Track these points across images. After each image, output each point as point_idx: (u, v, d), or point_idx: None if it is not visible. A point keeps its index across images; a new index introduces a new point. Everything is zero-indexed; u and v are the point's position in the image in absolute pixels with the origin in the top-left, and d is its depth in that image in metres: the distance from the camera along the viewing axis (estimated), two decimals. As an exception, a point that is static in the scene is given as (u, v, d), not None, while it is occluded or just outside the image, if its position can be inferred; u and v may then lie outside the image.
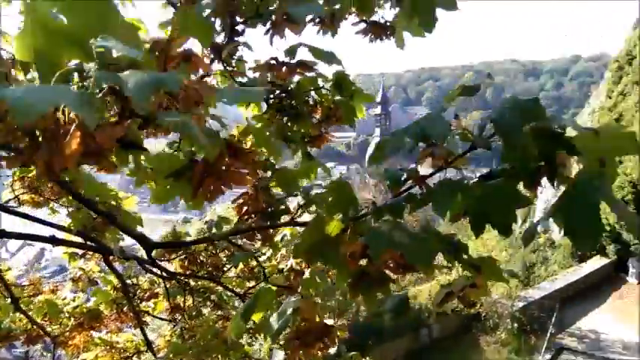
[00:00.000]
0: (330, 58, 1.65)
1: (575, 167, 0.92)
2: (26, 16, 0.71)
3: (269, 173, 1.89)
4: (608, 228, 13.64)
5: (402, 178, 1.14)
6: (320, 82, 1.97)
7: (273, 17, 1.52)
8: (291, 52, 1.66)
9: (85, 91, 0.69)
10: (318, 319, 1.42)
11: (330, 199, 1.17)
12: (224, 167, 1.06)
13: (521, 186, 0.99)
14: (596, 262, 14.39)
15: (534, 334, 11.30)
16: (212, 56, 1.67)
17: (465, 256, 1.12)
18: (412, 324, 11.30)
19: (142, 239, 1.79)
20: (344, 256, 1.05)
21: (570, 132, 0.92)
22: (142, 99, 0.68)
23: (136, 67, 0.76)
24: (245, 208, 1.89)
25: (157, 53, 0.98)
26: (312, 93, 2.03)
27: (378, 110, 74.08)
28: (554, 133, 0.91)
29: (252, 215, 1.91)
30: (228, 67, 1.83)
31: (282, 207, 1.91)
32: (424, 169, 1.14)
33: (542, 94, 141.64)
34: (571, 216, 0.87)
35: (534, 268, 17.91)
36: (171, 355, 2.38)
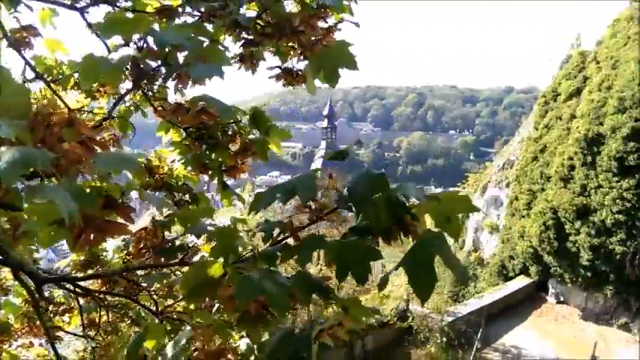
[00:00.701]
0: (226, 112, 1.78)
1: (427, 223, 1.16)
2: None
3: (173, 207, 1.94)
4: (531, 250, 14.60)
5: (278, 230, 1.31)
6: (238, 115, 2.10)
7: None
8: (193, 102, 1.77)
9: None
10: (214, 345, 1.51)
11: (214, 243, 1.31)
12: (103, 219, 1.15)
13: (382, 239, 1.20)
14: (519, 282, 15.31)
15: (461, 348, 11.77)
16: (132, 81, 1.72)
17: (333, 298, 1.33)
18: (349, 332, 11.42)
19: (31, 274, 1.72)
20: (222, 297, 1.19)
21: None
22: (10, 178, 0.75)
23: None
24: (143, 243, 1.94)
25: (39, 121, 1.03)
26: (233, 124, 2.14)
27: (324, 124, 74.94)
28: (398, 201, 1.13)
29: (150, 250, 1.94)
30: (149, 92, 1.93)
31: (180, 244, 1.95)
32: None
33: (478, 121, 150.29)
34: (413, 269, 1.09)
35: (464, 286, 18.74)
36: None
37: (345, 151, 1.40)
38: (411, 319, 12.29)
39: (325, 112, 74.74)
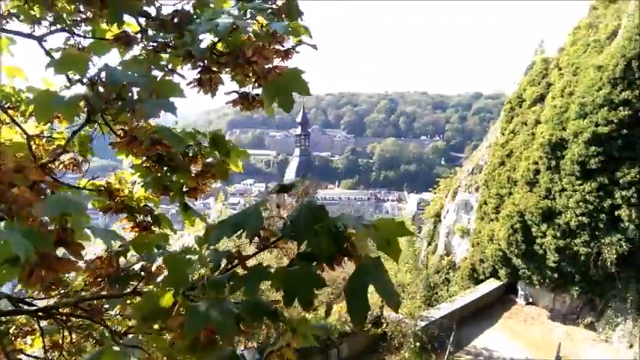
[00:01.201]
0: (178, 142, 1.83)
1: (370, 247, 1.27)
2: None
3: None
4: (500, 253, 14.90)
5: (226, 258, 1.40)
6: (198, 137, 2.18)
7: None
8: (147, 134, 1.88)
9: None
10: None
11: (165, 273, 1.37)
12: (55, 256, 1.20)
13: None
14: (490, 284, 15.60)
15: (434, 352, 11.89)
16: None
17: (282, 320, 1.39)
18: (322, 344, 11.38)
19: None
20: (173, 326, 1.24)
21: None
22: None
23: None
24: (98, 272, 1.97)
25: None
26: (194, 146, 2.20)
27: (298, 131, 74.86)
28: (337, 230, 1.24)
29: (105, 279, 1.96)
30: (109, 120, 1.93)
31: (134, 272, 1.97)
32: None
33: (448, 126, 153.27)
34: (349, 298, 1.22)
35: (437, 289, 18.97)
36: None
37: (291, 185, 1.51)
38: (385, 325, 12.35)
39: (299, 119, 74.63)
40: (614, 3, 14.54)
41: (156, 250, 1.85)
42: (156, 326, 1.37)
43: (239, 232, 1.31)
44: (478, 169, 19.73)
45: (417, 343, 12.01)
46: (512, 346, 12.46)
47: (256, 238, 1.38)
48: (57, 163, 2.29)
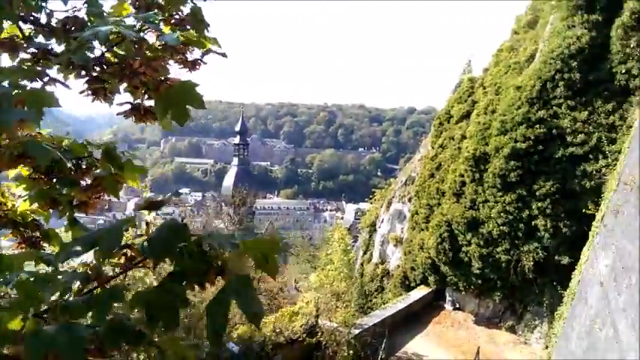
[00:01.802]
0: (44, 156, 1.76)
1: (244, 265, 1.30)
2: None
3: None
4: (429, 261, 15.53)
5: (81, 280, 1.34)
6: (91, 148, 2.11)
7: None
8: (7, 146, 1.78)
9: None
10: None
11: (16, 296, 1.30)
12: None
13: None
14: (420, 291, 16.19)
15: (367, 359, 12.12)
16: None
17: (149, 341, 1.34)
18: (256, 355, 11.25)
19: None
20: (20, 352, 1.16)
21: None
22: None
23: None
24: None
25: None
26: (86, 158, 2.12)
27: (237, 140, 73.74)
28: (201, 250, 1.26)
29: None
30: None
31: None
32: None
33: (384, 139, 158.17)
34: (209, 313, 1.23)
35: (372, 297, 19.39)
36: None
37: (161, 202, 1.49)
38: (319, 334, 12.41)
39: (237, 127, 73.74)
40: (533, 29, 15.83)
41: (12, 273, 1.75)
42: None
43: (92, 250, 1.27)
44: (411, 181, 20.50)
45: (351, 351, 12.17)
46: (440, 351, 12.99)
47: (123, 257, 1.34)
48: None
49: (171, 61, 1.89)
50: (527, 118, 12.49)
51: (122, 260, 1.37)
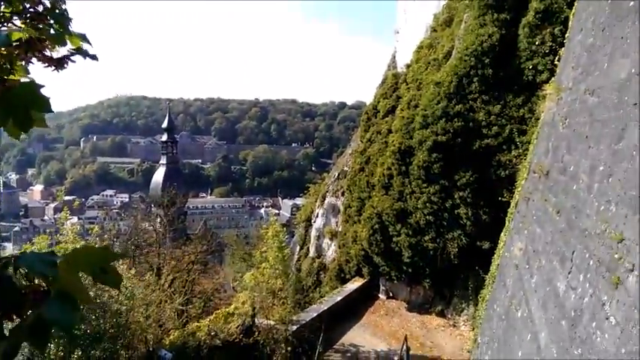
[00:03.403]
0: None
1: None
2: None
3: None
4: (362, 253, 15.93)
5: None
6: None
7: None
8: None
9: None
10: None
11: None
12: None
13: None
14: (355, 283, 16.60)
15: (305, 354, 12.23)
16: None
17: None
18: (192, 358, 11.00)
19: None
20: None
21: None
22: None
23: None
24: None
25: None
26: None
27: (164, 137, 70.65)
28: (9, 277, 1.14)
29: None
30: None
31: None
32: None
33: (317, 134, 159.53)
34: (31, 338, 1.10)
35: (309, 292, 19.57)
36: None
37: None
38: (256, 333, 12.34)
39: (164, 124, 70.76)
40: (449, 27, 16.61)
41: None
42: None
43: None
44: (343, 175, 20.90)
45: (289, 348, 12.23)
46: (375, 340, 13.42)
47: None
48: None
49: (34, 60, 1.73)
50: (447, 112, 13.10)
51: None
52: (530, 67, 12.02)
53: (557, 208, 5.12)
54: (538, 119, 11.77)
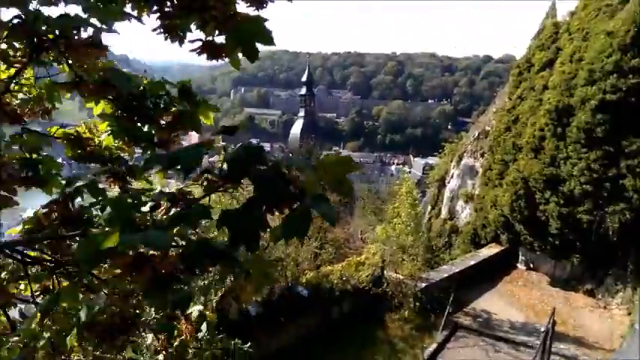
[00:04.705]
0: (125, 80, 1.87)
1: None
2: None
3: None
4: (502, 219, 15.02)
5: (169, 199, 1.38)
6: (168, 87, 2.10)
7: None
8: (93, 73, 1.86)
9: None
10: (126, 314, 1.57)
11: (108, 215, 1.37)
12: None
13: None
14: (491, 249, 15.83)
15: (434, 312, 12.24)
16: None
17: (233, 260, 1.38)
18: (324, 301, 11.73)
19: None
20: (119, 265, 1.25)
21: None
22: None
23: None
24: (54, 214, 2.01)
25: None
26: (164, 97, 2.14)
27: (303, 91, 73.55)
28: (281, 172, 1.24)
29: (60, 221, 2.00)
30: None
31: (87, 217, 2.01)
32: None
33: (456, 90, 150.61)
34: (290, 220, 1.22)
35: (439, 252, 19.27)
36: (25, 340, 2.36)
37: (235, 126, 1.49)
38: (385, 285, 12.64)
39: (304, 78, 73.31)
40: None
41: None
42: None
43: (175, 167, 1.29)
44: (484, 135, 19.60)
45: (417, 304, 12.34)
46: (510, 310, 12.78)
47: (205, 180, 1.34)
48: (26, 110, 2.24)
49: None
50: (619, 66, 11.35)
51: (204, 184, 1.39)
52: None
53: None
54: None
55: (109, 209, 1.61)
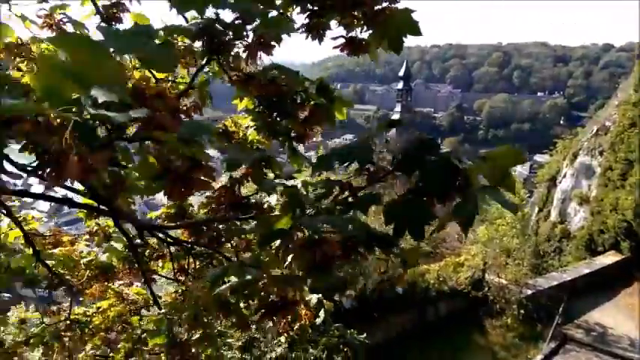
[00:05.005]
0: (296, 79, 2.05)
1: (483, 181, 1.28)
2: (41, 61, 0.95)
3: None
4: (624, 224, 13.55)
5: (339, 187, 1.47)
6: (306, 84, 2.25)
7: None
8: (264, 71, 2.06)
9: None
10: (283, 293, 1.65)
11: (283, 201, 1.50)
12: (190, 176, 1.34)
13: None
14: (609, 258, 14.37)
15: (540, 322, 11.41)
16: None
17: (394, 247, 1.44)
18: (420, 301, 11.48)
19: (134, 221, 2.01)
20: (295, 245, 1.34)
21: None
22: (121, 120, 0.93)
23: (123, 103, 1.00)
24: (222, 199, 2.25)
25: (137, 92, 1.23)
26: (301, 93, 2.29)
27: (399, 85, 72.67)
28: (451, 164, 1.26)
29: (227, 206, 2.25)
30: (224, 62, 2.08)
31: (253, 201, 2.27)
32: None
33: (570, 82, 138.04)
34: (461, 206, 1.24)
35: (547, 258, 17.92)
36: (173, 312, 2.60)
37: (399, 120, 1.56)
38: (486, 289, 12.05)
39: (401, 73, 72.06)
40: None
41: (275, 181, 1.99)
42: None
43: (347, 164, 1.39)
44: (604, 131, 17.88)
45: (522, 311, 11.57)
46: (630, 326, 11.44)
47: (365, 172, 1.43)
48: (180, 105, 2.51)
49: None
50: None
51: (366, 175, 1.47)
52: None
53: None
54: None
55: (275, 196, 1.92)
